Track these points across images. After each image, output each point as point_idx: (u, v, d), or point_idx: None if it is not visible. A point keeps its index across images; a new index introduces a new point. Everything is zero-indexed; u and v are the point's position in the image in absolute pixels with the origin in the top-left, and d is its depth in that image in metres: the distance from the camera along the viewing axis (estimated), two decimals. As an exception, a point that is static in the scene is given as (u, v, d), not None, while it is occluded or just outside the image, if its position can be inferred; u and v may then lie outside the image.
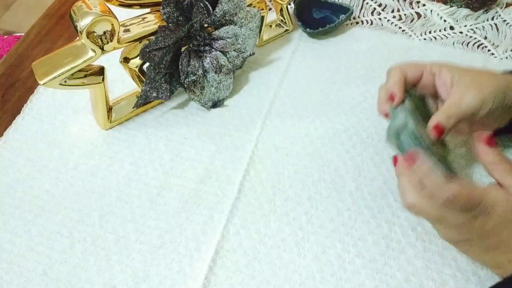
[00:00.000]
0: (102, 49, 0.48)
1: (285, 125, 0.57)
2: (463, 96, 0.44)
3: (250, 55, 0.60)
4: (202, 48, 0.56)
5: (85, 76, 0.50)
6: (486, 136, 0.41)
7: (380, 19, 0.70)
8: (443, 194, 0.39)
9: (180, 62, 0.55)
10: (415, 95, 0.47)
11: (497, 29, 0.67)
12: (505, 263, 0.40)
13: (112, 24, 0.47)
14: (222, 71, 0.58)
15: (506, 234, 0.39)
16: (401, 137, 0.44)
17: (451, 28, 0.68)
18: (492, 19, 0.69)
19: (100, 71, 0.51)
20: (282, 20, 0.67)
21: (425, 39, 0.67)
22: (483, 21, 0.68)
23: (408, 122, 0.44)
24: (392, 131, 0.45)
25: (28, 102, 0.60)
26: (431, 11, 0.70)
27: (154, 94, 0.55)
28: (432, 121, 0.44)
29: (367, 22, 0.70)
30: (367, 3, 0.72)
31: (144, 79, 0.54)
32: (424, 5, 0.71)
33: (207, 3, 0.53)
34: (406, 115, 0.44)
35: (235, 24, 0.56)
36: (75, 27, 0.46)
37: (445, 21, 0.69)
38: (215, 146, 0.55)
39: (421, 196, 0.40)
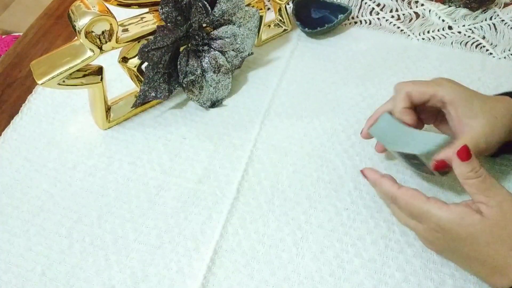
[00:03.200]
0: (100, 48, 0.48)
1: (283, 124, 0.57)
2: (478, 140, 0.43)
3: (248, 54, 0.60)
4: (201, 48, 0.56)
5: (84, 76, 0.50)
6: (461, 149, 0.41)
7: (378, 19, 0.70)
8: (386, 195, 0.44)
9: (178, 62, 0.55)
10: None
11: (495, 29, 0.68)
12: (486, 278, 0.40)
13: (111, 24, 0.47)
14: (221, 71, 0.58)
15: (470, 251, 0.39)
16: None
17: (450, 28, 0.68)
18: (491, 19, 0.69)
19: (99, 71, 0.51)
20: (280, 20, 0.67)
21: (423, 39, 0.67)
22: (481, 21, 0.69)
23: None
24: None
25: (26, 102, 0.60)
26: (430, 11, 0.70)
27: (153, 94, 0.55)
28: (441, 155, 0.43)
29: (366, 22, 0.70)
30: (365, 3, 0.72)
31: (142, 79, 0.54)
32: (422, 4, 0.71)
33: (205, 2, 0.53)
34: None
35: (234, 24, 0.56)
36: (74, 26, 0.46)
37: (443, 21, 0.69)
38: (213, 146, 0.55)
39: (390, 203, 0.45)
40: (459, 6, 0.69)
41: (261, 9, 0.61)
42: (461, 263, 0.43)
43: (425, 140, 0.45)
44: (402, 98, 0.46)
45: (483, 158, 0.53)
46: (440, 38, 0.67)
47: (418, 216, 0.41)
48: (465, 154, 0.40)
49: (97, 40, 0.47)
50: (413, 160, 0.47)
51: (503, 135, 0.44)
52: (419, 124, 0.48)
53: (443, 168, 0.44)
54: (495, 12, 0.69)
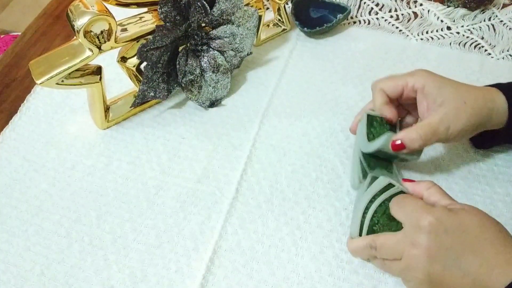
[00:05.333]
0: (99, 48, 0.48)
1: (282, 124, 0.57)
2: (439, 125, 0.44)
3: (247, 54, 0.60)
4: (200, 47, 0.56)
5: (82, 75, 0.50)
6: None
7: (377, 18, 0.70)
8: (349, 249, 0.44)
9: (177, 62, 0.55)
10: (381, 123, 0.48)
11: (494, 29, 0.68)
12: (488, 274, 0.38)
13: (109, 24, 0.47)
14: (220, 70, 0.58)
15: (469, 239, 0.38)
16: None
17: (448, 28, 0.68)
18: (489, 19, 0.69)
19: (98, 71, 0.51)
20: (279, 20, 0.67)
21: (422, 39, 0.67)
22: (480, 22, 0.69)
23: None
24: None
25: (25, 101, 0.60)
26: (428, 11, 0.70)
27: (152, 94, 0.55)
28: (398, 136, 0.45)
29: (365, 22, 0.70)
30: (364, 3, 0.72)
31: (141, 79, 0.54)
32: (421, 4, 0.71)
33: (204, 2, 0.53)
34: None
35: (233, 24, 0.56)
36: (72, 26, 0.46)
37: (442, 21, 0.69)
38: (212, 146, 0.55)
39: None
40: (458, 6, 0.69)
41: (260, 8, 0.61)
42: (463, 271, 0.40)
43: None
44: (378, 95, 0.48)
45: (481, 158, 0.53)
46: (438, 39, 0.67)
47: (374, 253, 0.42)
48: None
49: (96, 39, 0.47)
50: (384, 154, 0.48)
51: (472, 121, 0.45)
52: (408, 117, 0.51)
53: (399, 149, 0.45)
54: (493, 13, 0.69)
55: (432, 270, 0.38)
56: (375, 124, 0.48)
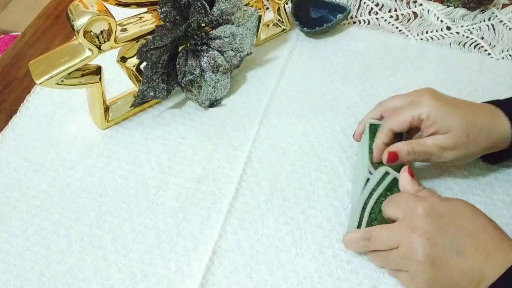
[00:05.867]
0: (99, 48, 0.48)
1: (282, 124, 0.57)
2: (436, 147, 0.45)
3: (247, 54, 0.60)
4: (200, 47, 0.56)
5: (82, 75, 0.50)
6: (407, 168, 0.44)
7: (377, 18, 0.70)
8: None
9: (177, 62, 0.55)
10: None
11: (494, 29, 0.68)
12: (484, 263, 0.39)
13: (109, 24, 0.47)
14: (220, 70, 0.58)
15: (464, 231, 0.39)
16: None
17: (448, 28, 0.68)
18: (489, 19, 0.69)
19: (97, 71, 0.51)
20: (279, 20, 0.67)
21: (421, 39, 0.67)
22: (480, 22, 0.69)
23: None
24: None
25: (24, 101, 0.60)
26: (428, 11, 0.70)
27: (151, 94, 0.55)
28: (392, 147, 0.46)
29: (364, 22, 0.70)
30: (364, 3, 0.72)
31: (141, 79, 0.54)
32: (421, 4, 0.71)
33: (204, 2, 0.53)
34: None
35: (233, 24, 0.56)
36: (72, 26, 0.46)
37: (441, 21, 0.69)
38: (212, 146, 0.55)
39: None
40: (458, 6, 0.69)
41: (259, 8, 0.61)
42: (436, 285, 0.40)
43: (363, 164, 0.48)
44: (384, 135, 0.47)
45: (480, 162, 0.53)
46: (438, 39, 0.67)
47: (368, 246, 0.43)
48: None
49: (96, 39, 0.47)
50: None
51: (470, 151, 0.46)
52: None
53: (393, 161, 0.45)
54: (493, 13, 0.69)
55: (433, 252, 0.39)
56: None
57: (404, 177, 0.44)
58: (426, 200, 0.41)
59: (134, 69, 0.54)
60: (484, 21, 0.69)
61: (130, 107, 0.56)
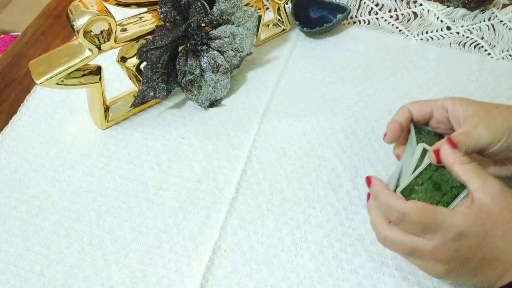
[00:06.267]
0: (99, 48, 0.48)
1: (282, 124, 0.57)
2: (474, 128, 0.42)
3: (247, 54, 0.60)
4: (200, 47, 0.56)
5: (82, 75, 0.50)
6: (449, 138, 0.41)
7: (377, 18, 0.70)
8: (392, 212, 0.39)
9: (177, 62, 0.55)
10: (429, 132, 0.46)
11: (494, 29, 0.68)
12: (497, 279, 0.38)
13: (109, 24, 0.47)
14: (220, 70, 0.58)
15: (486, 251, 0.38)
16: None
17: (448, 28, 0.68)
18: (489, 19, 0.69)
19: (97, 71, 0.51)
20: (279, 20, 0.67)
21: (421, 39, 0.67)
22: (480, 22, 0.69)
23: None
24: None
25: (24, 101, 0.60)
26: (428, 11, 0.70)
27: (151, 94, 0.55)
28: (436, 146, 0.43)
29: (364, 22, 0.70)
30: (364, 3, 0.72)
31: (141, 79, 0.54)
32: (421, 4, 0.71)
33: (204, 2, 0.53)
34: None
35: (233, 24, 0.56)
36: (72, 26, 0.46)
37: (441, 21, 0.69)
38: (212, 146, 0.55)
39: (389, 228, 0.40)
40: (458, 6, 0.69)
41: (259, 8, 0.61)
42: (472, 277, 0.40)
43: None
44: (401, 111, 0.46)
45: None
46: (438, 39, 0.67)
47: (433, 229, 0.38)
48: (452, 142, 0.40)
49: (96, 39, 0.47)
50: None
51: (503, 137, 0.43)
52: None
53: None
54: (493, 13, 0.69)
55: (449, 275, 0.39)
56: (423, 133, 0.46)
57: (444, 149, 0.41)
58: (465, 214, 0.37)
59: (134, 69, 0.54)
60: (484, 21, 0.69)
61: (130, 107, 0.57)
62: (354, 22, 0.70)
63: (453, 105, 0.45)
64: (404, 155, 0.47)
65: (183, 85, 0.57)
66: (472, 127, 0.42)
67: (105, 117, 0.56)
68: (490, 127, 0.42)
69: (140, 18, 0.52)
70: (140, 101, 0.55)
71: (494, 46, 0.66)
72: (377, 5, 0.72)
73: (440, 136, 0.46)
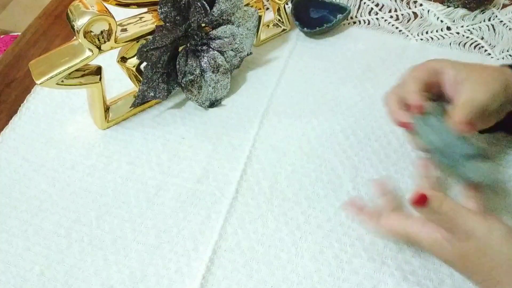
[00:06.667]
0: (99, 48, 0.48)
1: (282, 124, 0.57)
2: (474, 93, 0.44)
3: (247, 54, 0.60)
4: (200, 47, 0.56)
5: (82, 75, 0.50)
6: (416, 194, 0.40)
7: (377, 19, 0.70)
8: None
9: (177, 62, 0.55)
10: (435, 104, 0.46)
11: (494, 29, 0.68)
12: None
13: (109, 24, 0.47)
14: (220, 70, 0.58)
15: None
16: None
17: (448, 28, 0.68)
18: (489, 20, 0.69)
19: (97, 71, 0.51)
20: (279, 20, 0.67)
21: (422, 39, 0.67)
22: (480, 22, 0.69)
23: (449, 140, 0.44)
24: (434, 146, 0.45)
25: (25, 101, 0.60)
26: (428, 11, 0.70)
27: (152, 94, 0.55)
28: (459, 118, 0.43)
29: (364, 22, 0.70)
30: (364, 3, 0.72)
31: (141, 79, 0.54)
32: (421, 4, 0.71)
33: (204, 2, 0.53)
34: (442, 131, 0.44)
35: (233, 24, 0.56)
36: (72, 26, 0.46)
37: (442, 21, 0.69)
38: (212, 146, 0.55)
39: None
40: (458, 6, 0.69)
41: (260, 9, 0.61)
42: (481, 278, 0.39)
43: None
44: (415, 81, 0.47)
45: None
46: (438, 39, 0.67)
47: (463, 234, 0.38)
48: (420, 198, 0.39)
49: (96, 40, 0.47)
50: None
51: (500, 95, 0.44)
52: None
53: (474, 128, 0.44)
54: (493, 13, 0.69)
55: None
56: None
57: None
58: (497, 229, 0.38)
59: (134, 69, 0.54)
60: (484, 21, 0.69)
61: (130, 107, 0.57)
62: (354, 22, 0.70)
63: (443, 69, 0.46)
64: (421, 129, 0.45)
65: (183, 85, 0.57)
66: (471, 93, 0.44)
67: (105, 117, 0.56)
68: (487, 89, 0.44)
69: (140, 18, 0.52)
70: (140, 101, 0.55)
71: (494, 46, 0.66)
72: (377, 5, 0.72)
73: (440, 105, 0.46)
